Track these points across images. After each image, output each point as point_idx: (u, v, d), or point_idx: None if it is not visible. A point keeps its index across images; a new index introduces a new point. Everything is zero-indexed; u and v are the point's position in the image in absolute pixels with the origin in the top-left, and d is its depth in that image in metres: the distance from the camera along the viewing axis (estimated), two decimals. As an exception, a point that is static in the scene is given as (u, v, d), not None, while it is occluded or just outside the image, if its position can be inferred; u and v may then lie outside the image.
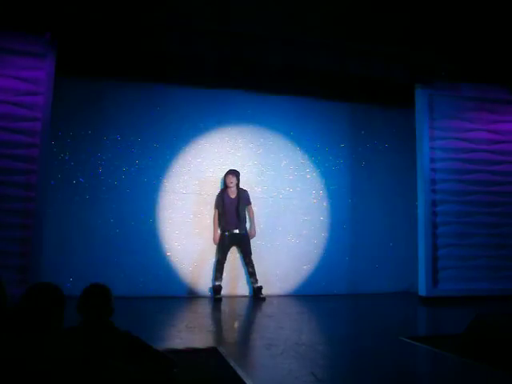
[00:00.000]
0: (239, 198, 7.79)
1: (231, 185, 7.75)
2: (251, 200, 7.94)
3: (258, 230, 7.97)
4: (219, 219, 7.79)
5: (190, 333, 5.39)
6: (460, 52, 7.50)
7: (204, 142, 8.10)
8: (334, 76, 7.90)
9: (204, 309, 7.02)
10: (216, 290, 7.54)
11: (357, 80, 8.00)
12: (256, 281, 7.69)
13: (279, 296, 7.93)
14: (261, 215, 8.10)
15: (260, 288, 7.66)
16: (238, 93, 8.18)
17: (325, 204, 8.55)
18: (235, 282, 7.96)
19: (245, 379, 3.72)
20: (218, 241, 7.75)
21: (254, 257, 7.75)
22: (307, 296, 8.01)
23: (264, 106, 8.34)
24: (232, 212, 7.73)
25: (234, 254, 7.91)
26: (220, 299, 7.43)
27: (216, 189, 7.96)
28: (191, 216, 7.90)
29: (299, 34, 7.04)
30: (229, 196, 7.77)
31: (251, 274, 7.72)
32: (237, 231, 7.72)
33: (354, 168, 8.73)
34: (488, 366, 4.24)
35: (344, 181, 8.67)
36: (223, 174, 7.95)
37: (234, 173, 7.79)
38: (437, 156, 7.88)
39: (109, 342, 2.68)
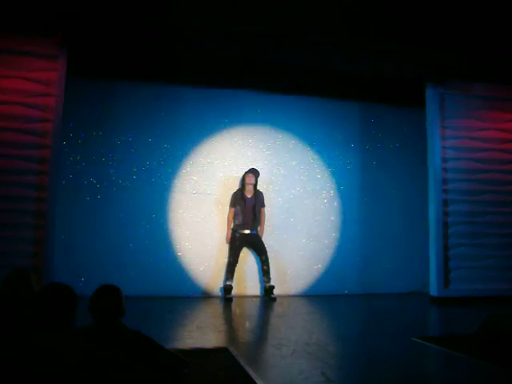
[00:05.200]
0: (256, 199, 7.81)
1: (250, 184, 7.76)
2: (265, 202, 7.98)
3: (268, 229, 7.98)
4: (233, 218, 7.81)
5: (200, 333, 5.40)
6: (471, 51, 7.46)
7: (214, 143, 8.11)
8: (344, 75, 7.90)
9: (215, 309, 7.03)
10: (227, 289, 7.54)
11: (368, 79, 7.99)
12: (269, 280, 7.69)
13: (290, 296, 7.94)
14: (271, 215, 8.10)
15: (272, 288, 7.66)
16: (248, 93, 8.19)
17: (335, 204, 8.54)
18: (246, 282, 7.97)
19: (255, 379, 3.72)
20: (229, 240, 7.78)
21: (265, 256, 7.78)
22: (318, 296, 8.00)
23: (274, 105, 8.34)
24: (248, 212, 7.75)
25: (244, 254, 7.92)
26: (231, 299, 7.44)
27: (227, 189, 7.98)
28: (202, 216, 7.92)
29: (310, 34, 7.03)
30: (246, 195, 7.79)
31: (265, 272, 7.71)
32: (247, 231, 7.73)
33: (365, 168, 8.70)
34: (500, 367, 4.22)
35: (355, 180, 8.65)
36: (235, 174, 8.03)
37: (254, 172, 7.79)
38: (448, 155, 7.84)
39: (120, 343, 2.69)
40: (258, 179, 7.87)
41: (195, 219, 7.89)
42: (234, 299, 7.46)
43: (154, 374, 2.63)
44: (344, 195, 8.58)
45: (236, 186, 7.97)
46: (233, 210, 7.81)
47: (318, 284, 8.24)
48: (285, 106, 8.38)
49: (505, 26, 6.92)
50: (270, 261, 7.73)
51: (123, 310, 2.85)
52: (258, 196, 7.86)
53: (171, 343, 4.56)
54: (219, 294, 7.75)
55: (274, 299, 7.55)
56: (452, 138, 7.89)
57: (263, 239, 7.85)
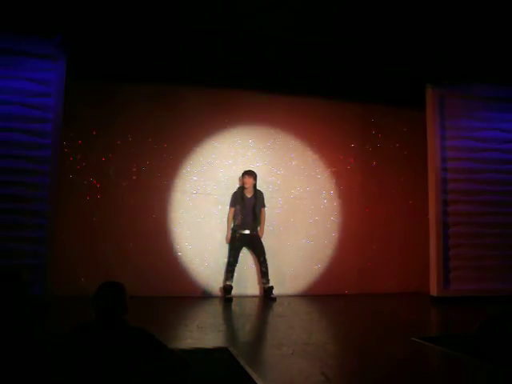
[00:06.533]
0: (256, 199, 7.81)
1: (247, 186, 7.76)
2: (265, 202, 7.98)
3: (268, 229, 7.98)
4: (233, 218, 7.81)
5: (201, 333, 5.41)
6: (471, 51, 7.45)
7: (214, 143, 8.11)
8: (344, 76, 7.89)
9: (215, 309, 7.03)
10: (227, 289, 7.54)
11: (368, 80, 7.98)
12: (267, 281, 7.68)
13: (290, 296, 7.92)
14: (271, 215, 8.09)
15: (271, 288, 7.66)
16: (248, 93, 8.18)
17: (335, 204, 8.53)
18: (246, 282, 7.96)
19: (255, 379, 3.73)
20: (229, 240, 7.78)
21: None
22: (318, 296, 8.00)
23: (274, 106, 8.33)
24: (248, 212, 7.74)
25: (244, 254, 7.92)
26: (231, 299, 7.44)
27: (227, 189, 7.98)
28: (202, 216, 7.91)
29: (310, 34, 7.03)
30: (245, 195, 7.79)
31: (264, 273, 7.70)
32: (247, 232, 7.73)
33: (365, 168, 8.69)
34: (499, 367, 4.21)
35: (354, 181, 8.64)
36: (235, 174, 8.02)
37: (251, 174, 7.77)
38: (448, 155, 7.84)
39: (122, 340, 2.68)
40: (258, 179, 7.85)
41: (195, 219, 7.89)
42: (234, 299, 7.46)
43: (156, 373, 2.63)
44: (344, 195, 8.58)
45: (236, 186, 7.97)
46: (233, 209, 7.80)
47: (318, 284, 8.23)
48: (285, 106, 8.37)
49: (504, 26, 6.91)
50: (269, 261, 7.73)
51: (126, 308, 2.82)
52: (259, 196, 7.86)
53: (172, 343, 4.53)
54: (219, 293, 7.75)
55: (274, 299, 7.55)
56: (452, 139, 7.89)
57: (263, 239, 7.85)
